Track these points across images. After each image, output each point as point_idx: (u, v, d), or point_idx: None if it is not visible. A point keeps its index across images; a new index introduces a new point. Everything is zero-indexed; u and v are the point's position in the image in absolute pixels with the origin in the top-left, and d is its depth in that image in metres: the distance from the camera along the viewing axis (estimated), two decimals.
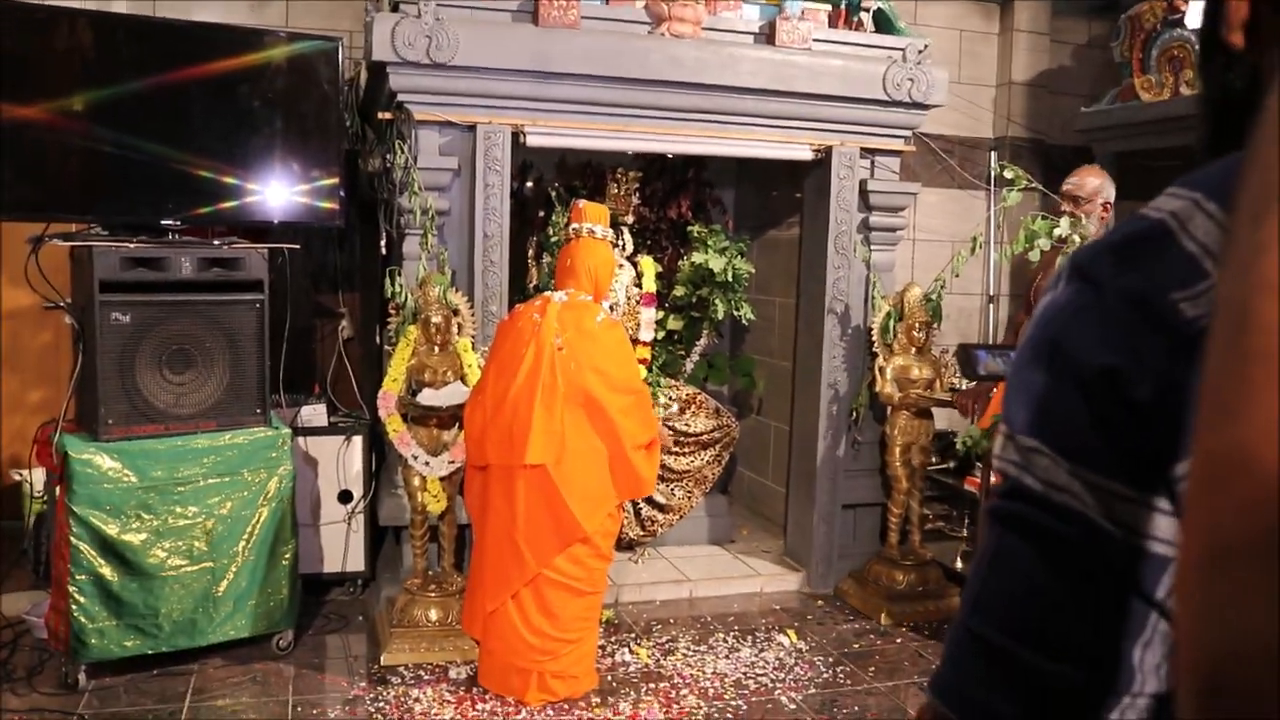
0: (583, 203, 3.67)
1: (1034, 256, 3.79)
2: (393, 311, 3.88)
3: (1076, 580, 0.60)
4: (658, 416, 4.21)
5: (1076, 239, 3.61)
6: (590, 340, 3.38)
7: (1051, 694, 0.60)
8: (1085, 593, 0.60)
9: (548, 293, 3.54)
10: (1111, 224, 3.85)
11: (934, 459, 4.85)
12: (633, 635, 4.05)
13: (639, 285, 4.77)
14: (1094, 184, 3.85)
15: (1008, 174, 3.84)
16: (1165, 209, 0.60)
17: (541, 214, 4.86)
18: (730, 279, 4.78)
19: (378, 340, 4.57)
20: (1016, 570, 0.62)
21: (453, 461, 3.74)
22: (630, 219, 4.92)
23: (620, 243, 4.79)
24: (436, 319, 3.72)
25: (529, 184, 4.94)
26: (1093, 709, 0.60)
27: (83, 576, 3.33)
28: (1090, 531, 0.59)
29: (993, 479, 3.26)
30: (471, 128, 3.94)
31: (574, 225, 3.59)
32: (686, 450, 4.75)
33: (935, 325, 4.39)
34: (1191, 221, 0.58)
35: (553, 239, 4.58)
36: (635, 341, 4.66)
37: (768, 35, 4.26)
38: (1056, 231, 3.65)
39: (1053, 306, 0.63)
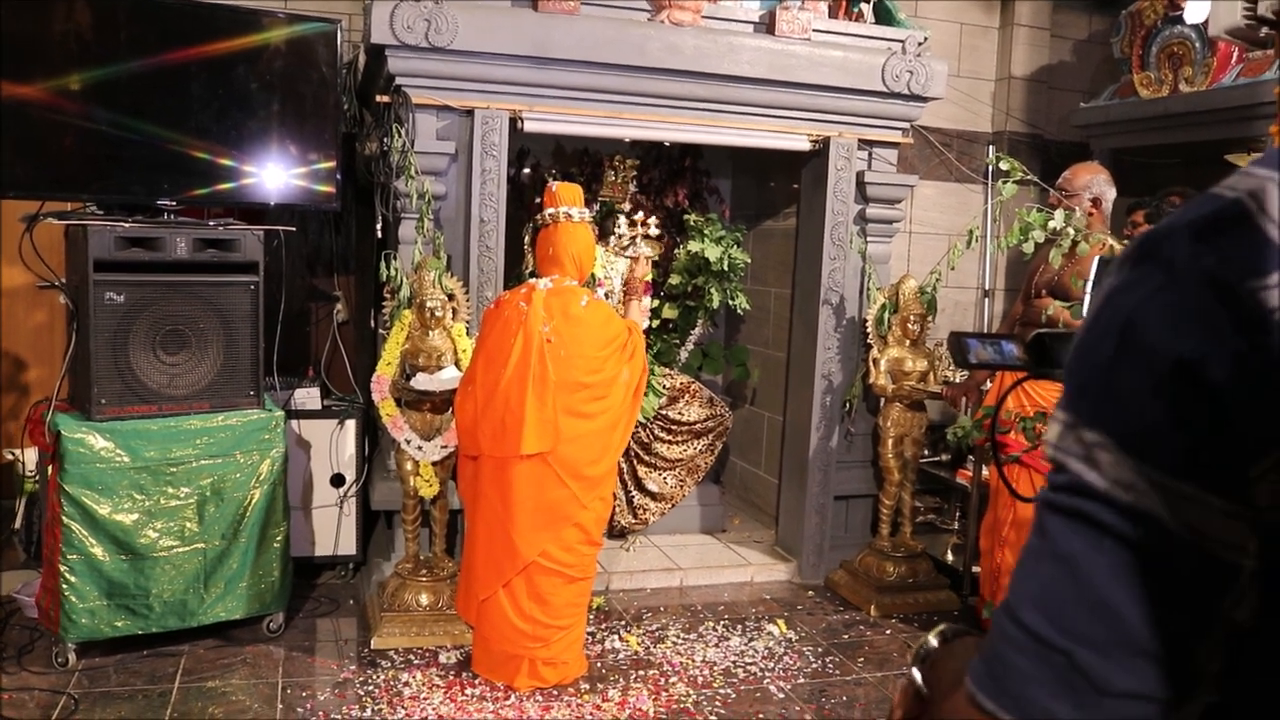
0: (555, 185, 3.59)
1: (1028, 249, 3.78)
2: (388, 295, 3.88)
3: (1144, 584, 0.57)
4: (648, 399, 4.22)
5: (1071, 232, 3.60)
6: (577, 325, 3.38)
7: (1112, 698, 0.57)
8: (1152, 597, 0.57)
9: (532, 280, 3.51)
10: (1103, 223, 3.84)
11: (926, 451, 4.87)
12: (623, 623, 4.06)
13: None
14: (1083, 180, 3.83)
15: (1003, 165, 3.82)
16: (1241, 188, 0.57)
17: (538, 200, 4.84)
18: (726, 268, 4.78)
19: (372, 324, 4.57)
20: (1080, 572, 0.58)
21: (445, 446, 3.74)
22: (627, 206, 4.92)
23: (618, 232, 4.79)
24: (431, 303, 3.71)
25: (526, 170, 4.94)
26: (1154, 713, 0.58)
27: (74, 556, 3.33)
28: (1158, 533, 0.56)
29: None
30: (469, 112, 3.93)
31: (550, 210, 3.51)
32: (679, 439, 4.76)
33: (930, 318, 4.40)
34: (1270, 201, 0.55)
35: None
36: None
37: (767, 25, 4.25)
38: (1051, 224, 3.64)
39: (1121, 289, 0.59)
